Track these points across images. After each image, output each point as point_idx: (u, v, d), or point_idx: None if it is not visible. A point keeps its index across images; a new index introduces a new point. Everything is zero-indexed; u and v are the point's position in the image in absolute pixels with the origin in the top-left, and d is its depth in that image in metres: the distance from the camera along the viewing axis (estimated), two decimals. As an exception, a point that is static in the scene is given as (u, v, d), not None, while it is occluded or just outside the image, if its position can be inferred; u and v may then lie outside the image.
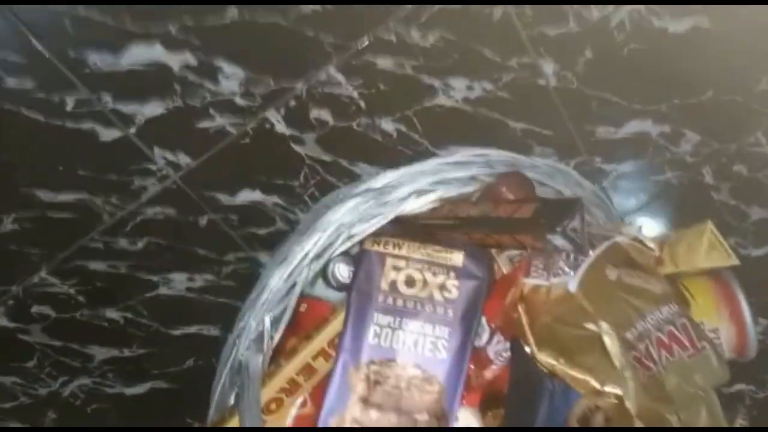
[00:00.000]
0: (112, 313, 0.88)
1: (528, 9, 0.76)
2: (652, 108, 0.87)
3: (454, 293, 0.50)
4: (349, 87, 0.77)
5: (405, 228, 0.54)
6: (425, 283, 0.51)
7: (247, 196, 0.83)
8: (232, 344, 0.56)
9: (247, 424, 0.49)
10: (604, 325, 0.48)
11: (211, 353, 0.94)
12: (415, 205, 0.52)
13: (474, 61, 0.78)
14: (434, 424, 0.48)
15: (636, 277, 0.52)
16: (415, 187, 0.53)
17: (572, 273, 0.50)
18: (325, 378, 0.54)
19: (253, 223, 0.85)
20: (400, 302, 0.50)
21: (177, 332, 0.92)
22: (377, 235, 0.52)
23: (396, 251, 0.51)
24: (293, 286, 0.53)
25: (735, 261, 0.58)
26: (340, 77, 0.77)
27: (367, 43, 0.75)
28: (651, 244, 0.54)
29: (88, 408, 0.95)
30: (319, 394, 0.55)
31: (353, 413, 0.48)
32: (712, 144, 0.95)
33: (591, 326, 0.49)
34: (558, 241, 0.46)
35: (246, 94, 0.75)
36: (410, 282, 0.51)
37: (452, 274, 0.50)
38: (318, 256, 0.53)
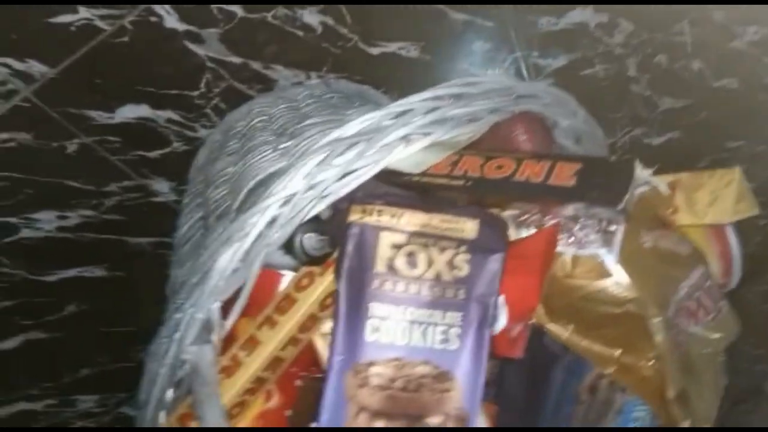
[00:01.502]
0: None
1: None
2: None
3: (465, 270, 0.40)
4: (261, -31, 0.59)
5: (396, 188, 0.42)
6: (431, 260, 0.40)
7: (131, 111, 0.64)
8: (168, 339, 0.43)
9: None
10: (651, 304, 0.42)
11: (97, 295, 0.78)
12: (404, 155, 0.40)
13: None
14: (449, 422, 0.41)
15: (667, 238, 0.46)
16: (402, 132, 0.40)
17: (596, 239, 0.42)
18: (292, 364, 0.44)
19: (141, 144, 0.67)
20: (401, 287, 0.40)
21: (51, 278, 0.74)
22: (365, 202, 0.39)
23: (393, 223, 0.39)
24: (248, 263, 0.41)
25: (757, 210, 0.54)
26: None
27: None
28: (663, 187, 0.48)
29: (-56, 371, 0.77)
30: (286, 383, 0.45)
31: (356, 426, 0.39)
32: (642, 34, 0.90)
33: (630, 306, 0.42)
34: (597, 209, 0.38)
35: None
36: (412, 261, 0.40)
37: (463, 248, 0.40)
38: (282, 227, 0.40)
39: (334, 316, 0.40)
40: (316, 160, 0.41)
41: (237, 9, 0.61)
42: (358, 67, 0.71)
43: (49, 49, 0.57)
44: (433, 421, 0.41)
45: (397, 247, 0.41)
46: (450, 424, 0.41)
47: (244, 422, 0.44)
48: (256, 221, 0.41)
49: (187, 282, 0.43)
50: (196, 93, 0.65)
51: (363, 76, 0.72)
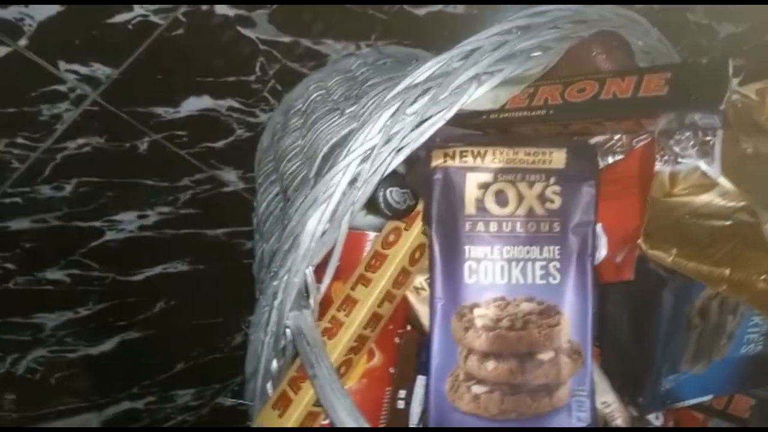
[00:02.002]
0: (53, 274, 0.72)
1: None
2: None
3: (557, 202, 0.39)
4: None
5: (478, 129, 0.41)
6: (521, 196, 0.39)
7: (194, 104, 0.65)
8: (269, 308, 0.44)
9: (332, 400, 0.39)
10: (764, 214, 0.40)
11: (183, 290, 0.81)
12: (478, 94, 0.39)
13: None
14: (564, 362, 0.40)
15: (766, 142, 0.44)
16: (473, 72, 0.39)
17: (694, 151, 0.40)
18: (389, 321, 0.44)
19: (207, 136, 0.69)
20: (494, 226, 0.39)
21: (139, 277, 0.77)
22: (446, 146, 0.39)
23: (478, 162, 0.39)
24: (335, 225, 0.41)
25: None
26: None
27: None
28: (753, 95, 0.45)
29: (51, 378, 0.81)
30: (387, 341, 0.45)
31: (468, 369, 0.39)
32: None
33: (742, 215, 0.40)
34: (704, 120, 0.36)
35: (169, -32, 0.55)
36: (502, 199, 0.39)
37: (552, 179, 0.39)
38: (365, 183, 0.40)
39: (430, 263, 0.40)
40: (390, 111, 0.40)
41: None
42: (407, 31, 0.70)
43: (110, 50, 0.58)
44: (545, 356, 0.40)
45: (485, 186, 0.40)
46: (562, 358, 0.40)
47: (350, 381, 0.45)
48: (339, 180, 0.41)
49: (278, 250, 0.43)
50: (252, 78, 0.66)
51: (412, 39, 0.71)
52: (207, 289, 0.81)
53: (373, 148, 0.40)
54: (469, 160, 0.40)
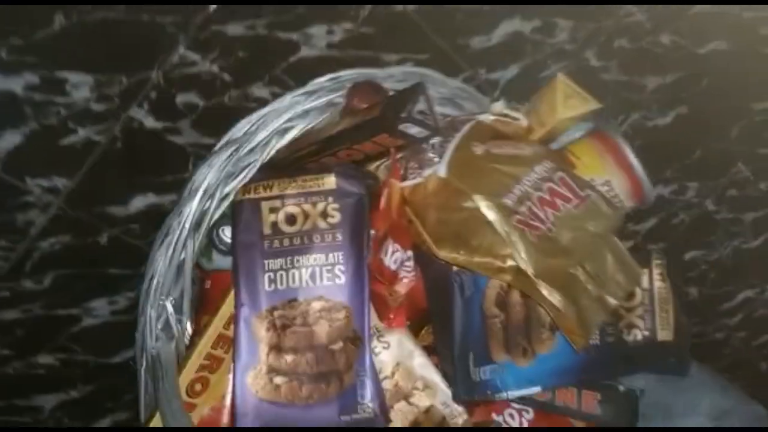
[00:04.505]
0: (45, 359, 0.85)
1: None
2: (517, 6, 0.87)
3: (337, 217, 0.49)
4: (206, 63, 0.75)
5: (273, 169, 0.53)
6: (306, 215, 0.49)
7: (141, 201, 0.80)
8: (141, 340, 0.54)
9: (168, 415, 0.48)
10: (478, 198, 0.48)
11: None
12: (280, 145, 0.51)
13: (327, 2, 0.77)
14: (350, 349, 0.47)
15: (504, 146, 0.52)
16: (274, 127, 0.51)
17: (435, 158, 0.49)
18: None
19: (157, 227, 0.82)
20: (286, 242, 0.49)
21: (117, 359, 0.89)
22: (246, 185, 0.50)
23: (268, 193, 0.50)
24: (182, 263, 0.52)
25: (595, 104, 0.59)
26: (193, 55, 0.74)
27: (211, 11, 0.72)
28: (517, 116, 0.54)
29: (54, 460, 0.92)
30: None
31: (269, 363, 0.47)
32: (587, 26, 0.95)
33: (469, 204, 0.49)
34: (412, 129, 0.46)
35: (101, 98, 0.72)
36: (291, 219, 0.50)
37: (330, 198, 0.49)
38: (197, 225, 0.51)
39: (233, 279, 0.50)
40: (214, 166, 0.53)
41: (197, 100, 0.77)
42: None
43: (64, 165, 0.75)
44: (335, 346, 0.47)
45: (276, 210, 0.50)
46: (349, 346, 0.47)
47: (209, 396, 0.53)
48: (177, 222, 0.52)
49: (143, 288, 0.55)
50: (186, 174, 0.80)
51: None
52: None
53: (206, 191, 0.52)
54: (262, 192, 0.50)
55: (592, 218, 0.53)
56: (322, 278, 0.49)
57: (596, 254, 0.52)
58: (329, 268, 0.49)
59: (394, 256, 0.52)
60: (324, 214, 0.50)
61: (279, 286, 0.49)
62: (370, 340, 0.48)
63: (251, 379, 0.48)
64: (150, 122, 0.76)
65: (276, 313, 0.48)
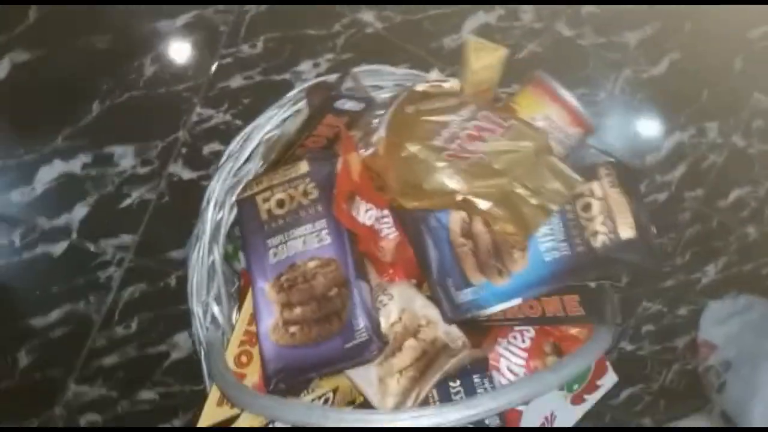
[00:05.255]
0: (146, 394, 1.00)
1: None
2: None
3: (314, 193, 0.61)
4: (220, 114, 0.90)
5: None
6: (291, 197, 0.62)
7: (194, 242, 0.94)
8: (196, 334, 0.66)
9: (223, 387, 0.59)
10: (410, 145, 0.58)
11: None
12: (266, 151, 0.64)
13: (307, 41, 0.91)
14: (343, 292, 0.58)
15: (434, 103, 0.62)
16: (258, 138, 0.64)
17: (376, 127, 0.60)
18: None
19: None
20: (281, 221, 0.61)
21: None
22: (243, 187, 0.63)
23: (259, 187, 0.62)
24: (212, 264, 0.64)
25: (502, 49, 0.68)
26: (208, 111, 0.90)
27: (213, 70, 0.88)
28: (447, 80, 0.64)
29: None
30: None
31: (283, 317, 0.58)
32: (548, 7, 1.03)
33: (406, 153, 0.58)
34: (348, 104, 0.57)
35: (144, 162, 0.89)
36: (281, 203, 0.62)
37: (307, 180, 0.61)
38: (216, 231, 0.64)
39: (246, 260, 0.61)
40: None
41: (219, 147, 0.92)
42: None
43: (127, 224, 0.91)
44: (332, 293, 0.58)
45: (267, 199, 0.62)
46: (342, 290, 0.57)
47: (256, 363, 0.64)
48: (197, 241, 0.65)
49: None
50: (225, 211, 0.94)
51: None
52: None
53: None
54: (254, 188, 0.63)
55: (521, 140, 0.61)
56: (312, 243, 0.60)
57: (531, 170, 0.59)
58: (317, 233, 0.60)
59: (368, 213, 0.63)
60: (305, 193, 0.61)
61: (281, 257, 0.60)
62: (357, 281, 0.58)
63: (272, 333, 0.59)
64: (186, 174, 0.91)
65: (282, 278, 0.59)
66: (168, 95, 0.87)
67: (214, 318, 0.65)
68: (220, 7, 0.87)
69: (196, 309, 0.65)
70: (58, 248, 0.88)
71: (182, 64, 0.87)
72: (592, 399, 0.67)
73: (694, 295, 1.25)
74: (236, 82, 0.89)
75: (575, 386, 0.67)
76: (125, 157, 0.87)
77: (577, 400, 0.67)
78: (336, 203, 0.60)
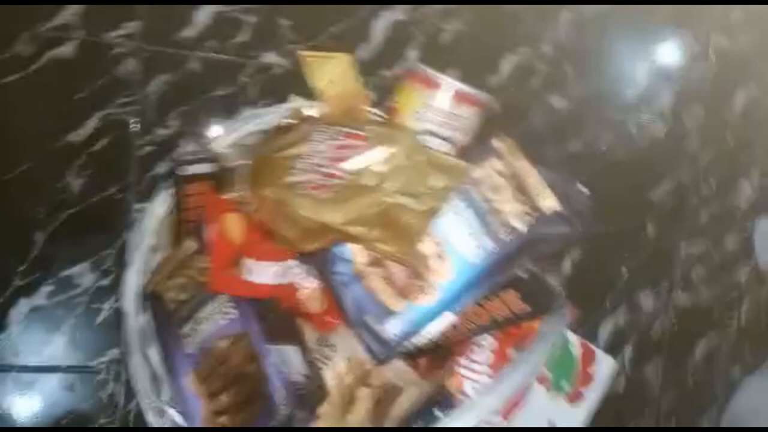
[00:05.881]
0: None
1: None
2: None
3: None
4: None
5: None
6: (191, 278, 0.60)
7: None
8: None
9: None
10: (268, 189, 0.53)
11: None
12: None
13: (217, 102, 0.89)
14: (260, 365, 0.53)
15: (286, 137, 0.57)
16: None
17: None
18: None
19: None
20: (188, 307, 0.58)
21: None
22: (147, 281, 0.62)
23: (158, 277, 0.61)
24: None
25: (343, 55, 0.63)
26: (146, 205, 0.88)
27: (136, 163, 0.87)
28: (311, 105, 0.59)
29: None
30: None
31: (212, 408, 0.55)
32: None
33: (269, 198, 0.53)
34: (192, 168, 0.54)
35: (104, 273, 0.88)
36: (183, 287, 0.61)
37: (197, 257, 0.59)
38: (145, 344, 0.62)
39: (163, 358, 0.58)
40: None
41: None
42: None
43: (109, 336, 0.90)
44: (249, 370, 0.54)
45: (170, 288, 0.59)
46: (258, 364, 0.53)
47: None
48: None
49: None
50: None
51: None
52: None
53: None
54: (155, 279, 0.60)
55: (387, 146, 0.55)
56: (218, 320, 0.56)
57: (405, 174, 0.53)
58: (220, 310, 0.56)
59: (273, 269, 0.58)
60: (200, 271, 0.58)
61: (195, 345, 0.57)
62: (269, 349, 0.53)
63: (205, 425, 0.55)
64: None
65: (200, 367, 0.56)
66: (102, 201, 0.86)
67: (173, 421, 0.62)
68: (124, 99, 0.87)
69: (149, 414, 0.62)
70: (53, 379, 0.89)
71: (105, 168, 0.86)
72: (593, 391, 0.59)
73: (737, 220, 1.11)
74: (164, 166, 0.88)
75: (563, 383, 0.59)
76: (84, 275, 0.87)
77: (574, 397, 0.59)
78: (213, 275, 0.56)
